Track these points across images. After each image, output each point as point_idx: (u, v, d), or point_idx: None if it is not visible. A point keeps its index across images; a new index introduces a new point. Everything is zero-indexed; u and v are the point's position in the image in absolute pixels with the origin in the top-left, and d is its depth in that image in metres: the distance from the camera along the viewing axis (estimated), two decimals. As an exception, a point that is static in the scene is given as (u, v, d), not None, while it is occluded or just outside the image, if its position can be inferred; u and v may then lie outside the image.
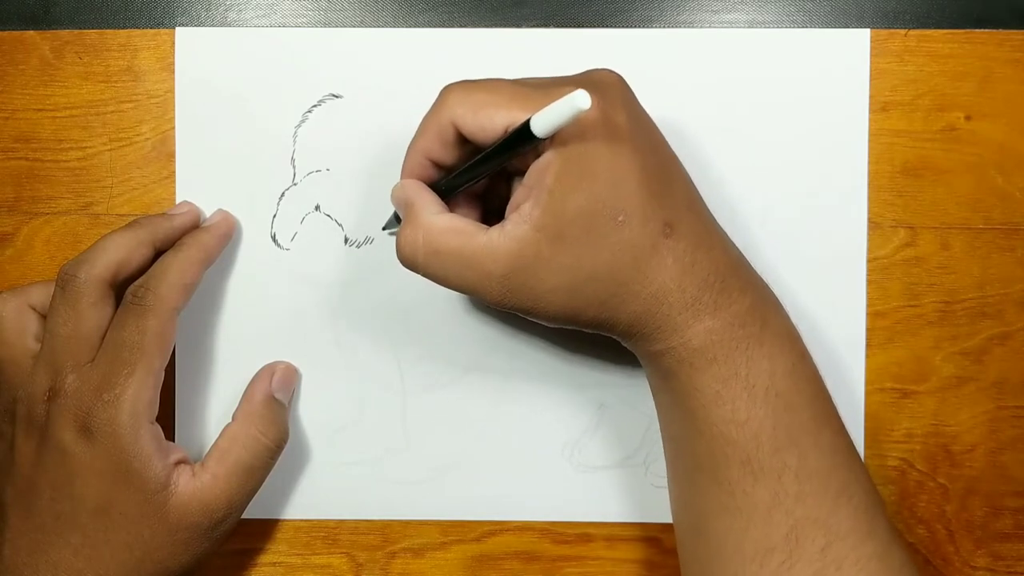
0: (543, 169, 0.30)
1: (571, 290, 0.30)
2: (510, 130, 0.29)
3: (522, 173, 0.31)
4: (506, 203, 0.32)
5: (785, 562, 0.30)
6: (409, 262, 0.32)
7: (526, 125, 0.28)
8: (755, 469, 0.30)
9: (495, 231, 0.30)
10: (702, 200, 0.33)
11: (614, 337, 0.33)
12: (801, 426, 0.31)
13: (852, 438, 0.32)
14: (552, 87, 0.30)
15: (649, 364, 0.33)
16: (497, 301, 0.31)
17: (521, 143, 0.29)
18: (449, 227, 0.31)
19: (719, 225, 0.33)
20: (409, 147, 0.33)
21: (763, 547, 0.30)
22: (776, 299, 0.33)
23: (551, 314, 0.31)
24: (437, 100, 0.32)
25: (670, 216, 0.31)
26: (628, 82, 0.32)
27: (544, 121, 0.28)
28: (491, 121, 0.30)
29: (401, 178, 0.33)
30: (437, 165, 0.33)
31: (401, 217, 0.33)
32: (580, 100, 0.27)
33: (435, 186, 0.33)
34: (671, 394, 0.32)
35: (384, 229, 0.38)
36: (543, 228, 0.30)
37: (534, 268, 0.30)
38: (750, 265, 0.33)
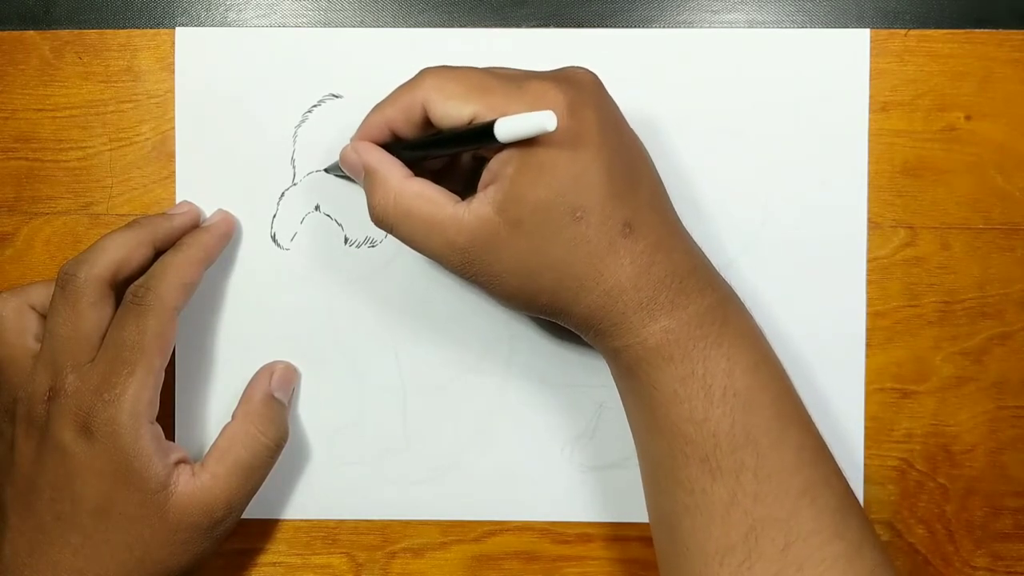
0: (506, 159, 0.31)
1: (526, 276, 0.31)
2: (474, 123, 0.30)
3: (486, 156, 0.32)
4: (462, 177, 0.34)
5: (745, 562, 0.30)
6: (380, 221, 0.33)
7: (490, 126, 0.29)
8: (713, 468, 0.30)
9: (462, 206, 0.31)
10: (668, 200, 0.34)
11: (571, 329, 0.33)
12: (761, 426, 0.31)
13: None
14: (526, 84, 0.31)
15: (610, 361, 0.34)
16: (456, 269, 0.32)
17: (482, 139, 0.30)
18: (419, 192, 0.32)
19: (683, 227, 0.33)
20: (373, 111, 0.33)
21: (723, 546, 0.30)
22: (739, 300, 0.33)
23: (505, 294, 0.32)
24: (414, 78, 0.32)
25: (631, 216, 0.31)
26: (603, 82, 0.32)
27: (507, 129, 0.28)
28: (458, 112, 0.31)
29: (357, 137, 0.34)
30: (395, 136, 0.33)
31: (353, 177, 0.34)
32: (546, 121, 0.28)
33: (390, 149, 0.34)
34: (632, 393, 0.33)
35: (327, 171, 0.38)
36: (503, 212, 0.31)
37: (493, 247, 0.31)
38: (713, 267, 0.33)
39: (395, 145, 0.34)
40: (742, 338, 0.32)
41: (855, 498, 0.32)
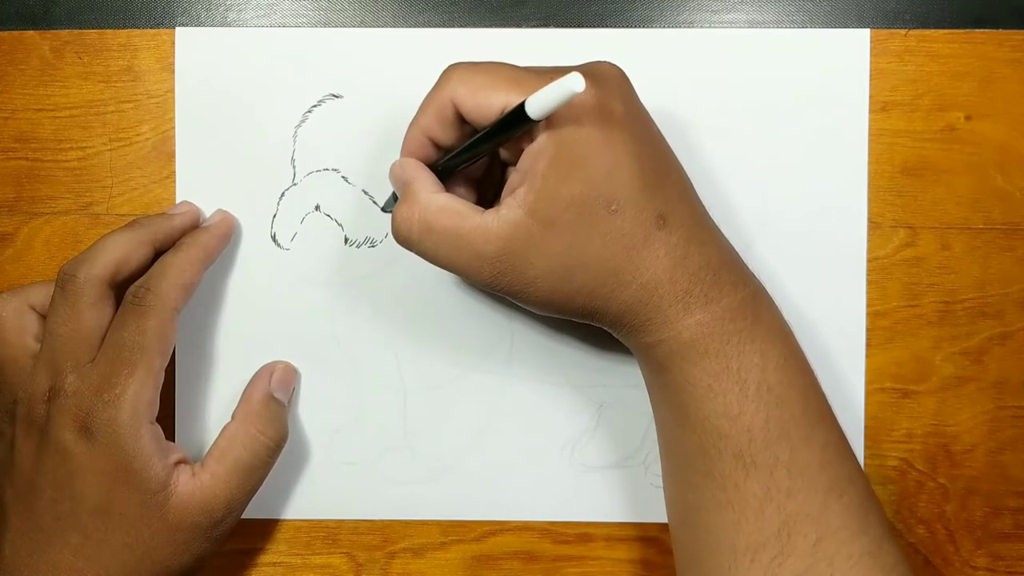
0: (537, 154, 0.30)
1: (561, 276, 0.31)
2: (506, 111, 0.30)
3: (515, 163, 0.31)
4: (501, 190, 0.33)
5: (777, 557, 0.30)
6: (403, 238, 0.32)
7: (521, 107, 0.28)
8: (747, 463, 0.30)
9: (490, 213, 0.31)
10: (696, 194, 0.33)
11: (605, 328, 0.33)
12: (792, 420, 0.31)
13: (852, 438, 0.32)
14: (551, 73, 0.30)
15: (641, 357, 0.33)
16: (487, 282, 0.31)
17: (516, 124, 0.29)
18: (445, 206, 0.31)
19: (712, 220, 0.33)
20: (410, 125, 0.33)
21: (755, 542, 0.30)
22: (768, 295, 0.33)
23: (541, 299, 0.32)
24: (440, 79, 0.32)
25: (664, 208, 0.31)
26: (629, 77, 0.32)
27: (539, 103, 0.28)
28: (488, 102, 0.30)
29: (401, 156, 0.34)
30: (436, 145, 0.33)
31: (399, 195, 0.33)
32: (574, 83, 0.27)
33: (432, 166, 0.33)
34: (663, 388, 0.32)
35: (383, 210, 0.38)
36: (535, 213, 0.30)
37: (525, 252, 0.30)
38: (743, 261, 0.33)
39: (436, 161, 0.33)
40: (773, 333, 0.32)
41: (875, 495, 0.32)
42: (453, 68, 0.32)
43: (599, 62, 0.32)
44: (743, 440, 0.30)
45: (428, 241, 0.31)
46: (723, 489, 0.31)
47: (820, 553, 0.30)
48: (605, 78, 0.31)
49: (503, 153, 0.33)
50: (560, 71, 0.31)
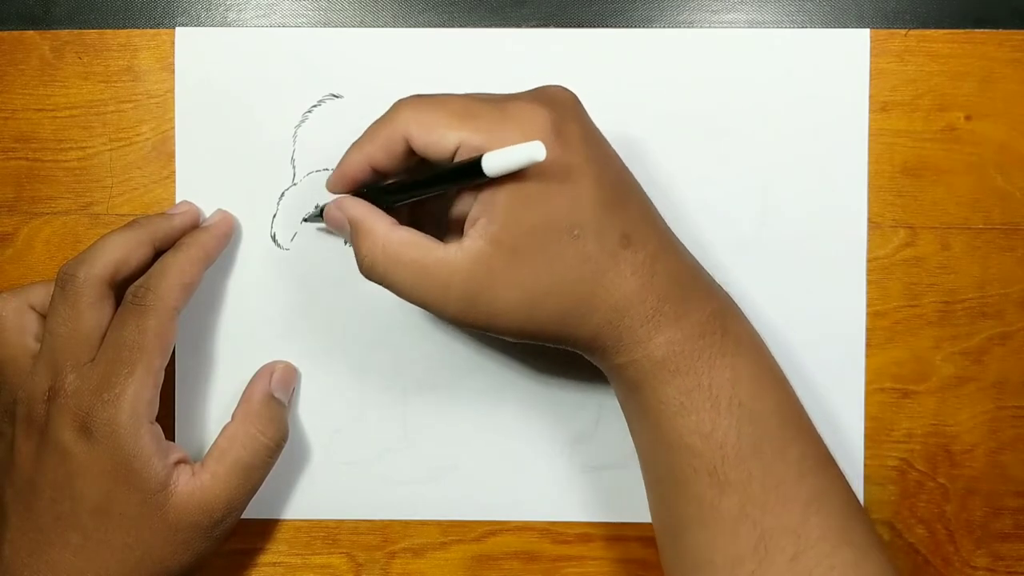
0: (497, 185, 0.30)
1: (530, 306, 0.31)
2: (460, 150, 0.30)
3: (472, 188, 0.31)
4: (441, 220, 0.33)
5: (755, 572, 0.30)
6: (370, 272, 0.32)
7: (477, 162, 0.28)
8: (720, 480, 0.30)
9: (453, 246, 0.30)
10: (657, 212, 0.33)
11: (578, 351, 0.33)
12: (766, 435, 0.31)
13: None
14: (508, 106, 0.30)
15: (614, 377, 0.33)
16: (455, 317, 0.31)
17: (471, 175, 0.29)
18: (407, 240, 0.31)
19: (675, 235, 0.33)
20: (352, 149, 0.33)
21: (732, 557, 0.30)
22: (736, 306, 0.33)
23: (512, 331, 0.31)
24: (390, 112, 0.32)
25: (627, 228, 0.31)
26: (581, 99, 0.32)
27: (496, 163, 0.28)
28: (444, 139, 0.30)
29: (336, 175, 0.33)
30: (376, 171, 0.33)
31: (341, 233, 0.33)
32: (536, 152, 0.27)
33: (373, 197, 0.33)
34: (637, 407, 0.32)
35: (305, 221, 0.38)
36: (499, 243, 0.30)
37: (491, 284, 0.30)
38: (709, 275, 0.33)
39: (377, 189, 0.33)
40: (743, 346, 0.32)
41: (859, 503, 0.32)
42: (404, 103, 0.31)
43: (551, 86, 0.32)
44: (716, 457, 0.30)
45: (396, 275, 0.31)
46: (699, 506, 0.31)
47: (799, 566, 0.29)
48: (560, 104, 0.31)
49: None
50: (514, 99, 0.31)
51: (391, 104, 0.32)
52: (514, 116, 0.30)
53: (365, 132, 0.32)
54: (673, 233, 0.33)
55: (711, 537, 0.30)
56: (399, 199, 0.33)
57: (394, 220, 0.32)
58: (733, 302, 0.33)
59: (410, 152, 0.31)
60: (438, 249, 0.31)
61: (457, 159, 0.30)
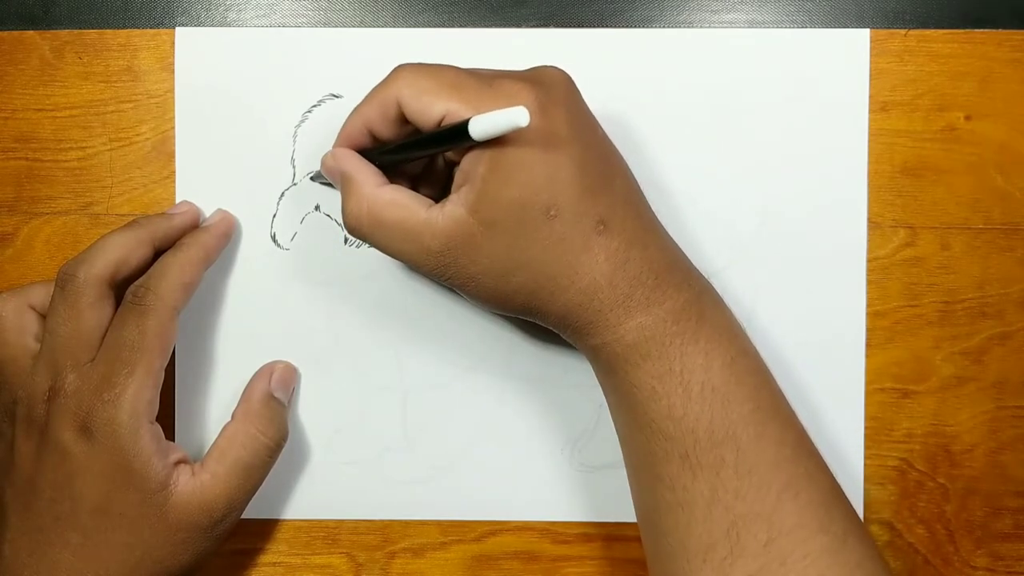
0: (478, 156, 0.30)
1: (500, 275, 0.31)
2: (446, 120, 0.30)
3: (459, 161, 0.32)
4: (443, 182, 0.34)
5: (727, 558, 0.30)
6: (354, 230, 0.33)
7: (464, 124, 0.29)
8: (693, 464, 0.30)
9: (436, 209, 0.31)
10: (643, 197, 0.34)
11: (550, 328, 0.33)
12: (741, 420, 0.31)
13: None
14: (497, 82, 0.31)
15: (590, 358, 0.34)
16: (433, 274, 0.32)
17: (457, 139, 0.30)
18: (392, 200, 0.32)
19: (659, 224, 0.33)
20: (352, 113, 0.33)
21: (705, 543, 0.30)
22: (716, 295, 0.33)
23: (481, 295, 0.32)
24: (389, 76, 0.32)
25: (605, 213, 0.31)
26: (575, 81, 0.32)
27: (481, 126, 0.28)
28: (430, 107, 0.31)
29: (337, 141, 0.34)
30: (375, 137, 0.33)
31: (335, 185, 0.34)
32: (519, 117, 0.28)
33: (369, 155, 0.34)
34: (613, 391, 0.33)
35: (312, 180, 0.38)
36: (476, 213, 0.31)
37: (467, 249, 0.31)
38: (690, 263, 0.33)
39: (373, 150, 0.34)
40: (719, 333, 0.32)
41: (841, 492, 0.32)
42: (402, 68, 0.32)
43: (545, 67, 0.32)
44: (688, 441, 0.31)
45: (379, 234, 0.32)
46: (672, 491, 0.31)
47: (772, 553, 0.30)
48: (551, 84, 0.31)
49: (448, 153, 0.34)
50: (507, 76, 0.31)
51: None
52: (501, 92, 0.30)
53: (365, 96, 0.33)
54: (657, 221, 0.33)
55: (685, 521, 0.31)
56: (392, 159, 0.33)
57: (383, 178, 0.33)
58: (714, 291, 0.33)
59: (404, 119, 0.32)
60: (421, 211, 0.31)
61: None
